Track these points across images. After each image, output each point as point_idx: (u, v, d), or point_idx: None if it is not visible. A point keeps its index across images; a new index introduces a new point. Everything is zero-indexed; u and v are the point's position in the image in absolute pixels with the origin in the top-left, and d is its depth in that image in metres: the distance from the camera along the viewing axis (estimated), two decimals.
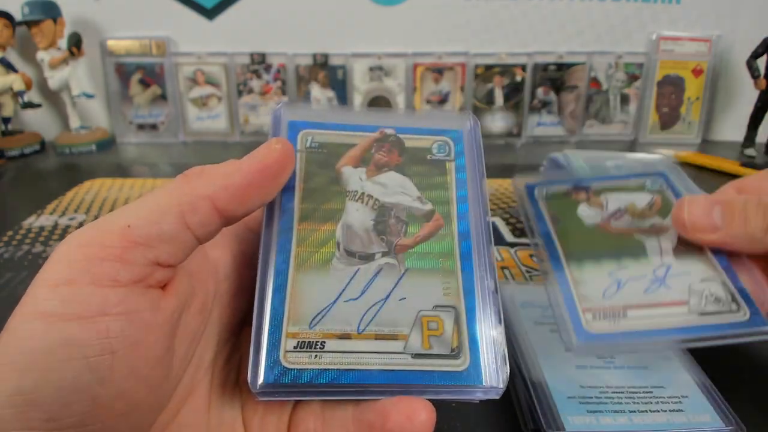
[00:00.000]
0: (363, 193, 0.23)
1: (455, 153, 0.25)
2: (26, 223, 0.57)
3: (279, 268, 0.21)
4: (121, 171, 0.76)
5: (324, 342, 0.20)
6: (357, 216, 0.23)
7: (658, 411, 0.26)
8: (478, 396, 0.20)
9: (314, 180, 0.23)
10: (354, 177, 0.24)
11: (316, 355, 0.20)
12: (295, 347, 0.20)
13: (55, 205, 0.62)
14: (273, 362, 0.19)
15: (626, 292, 0.26)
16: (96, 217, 0.56)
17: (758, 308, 0.24)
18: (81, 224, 0.57)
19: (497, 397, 0.20)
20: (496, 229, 0.55)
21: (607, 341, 0.25)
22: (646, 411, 0.26)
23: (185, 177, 0.20)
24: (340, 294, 0.21)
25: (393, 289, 0.21)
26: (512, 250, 0.51)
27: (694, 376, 0.29)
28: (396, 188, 0.24)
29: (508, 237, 0.54)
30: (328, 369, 0.20)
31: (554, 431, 0.25)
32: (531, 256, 0.49)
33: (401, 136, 0.25)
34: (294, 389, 0.19)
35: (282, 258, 0.21)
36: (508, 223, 0.57)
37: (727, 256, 0.26)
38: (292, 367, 0.19)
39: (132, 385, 0.17)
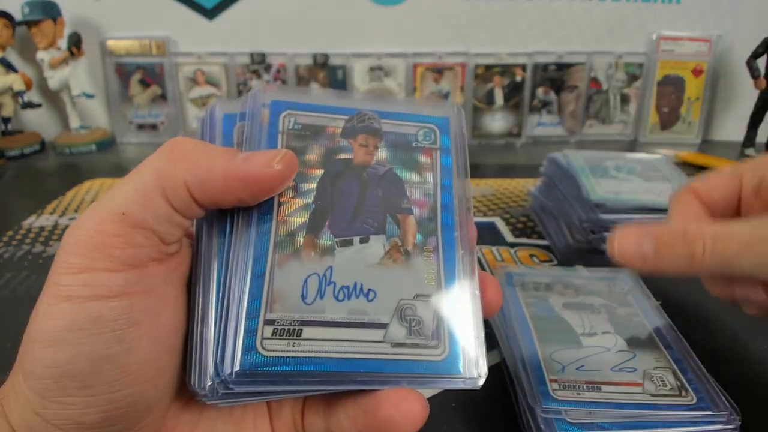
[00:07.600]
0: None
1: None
2: (26, 223, 0.57)
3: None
4: (121, 171, 0.76)
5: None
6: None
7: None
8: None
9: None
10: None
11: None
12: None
13: (55, 205, 0.62)
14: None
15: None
16: None
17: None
18: None
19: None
20: (496, 229, 0.55)
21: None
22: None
23: (170, 153, 0.19)
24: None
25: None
26: (512, 250, 0.51)
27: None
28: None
29: (508, 237, 0.54)
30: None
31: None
32: (531, 256, 0.49)
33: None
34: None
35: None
36: (508, 223, 0.57)
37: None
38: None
39: (158, 351, 0.19)
